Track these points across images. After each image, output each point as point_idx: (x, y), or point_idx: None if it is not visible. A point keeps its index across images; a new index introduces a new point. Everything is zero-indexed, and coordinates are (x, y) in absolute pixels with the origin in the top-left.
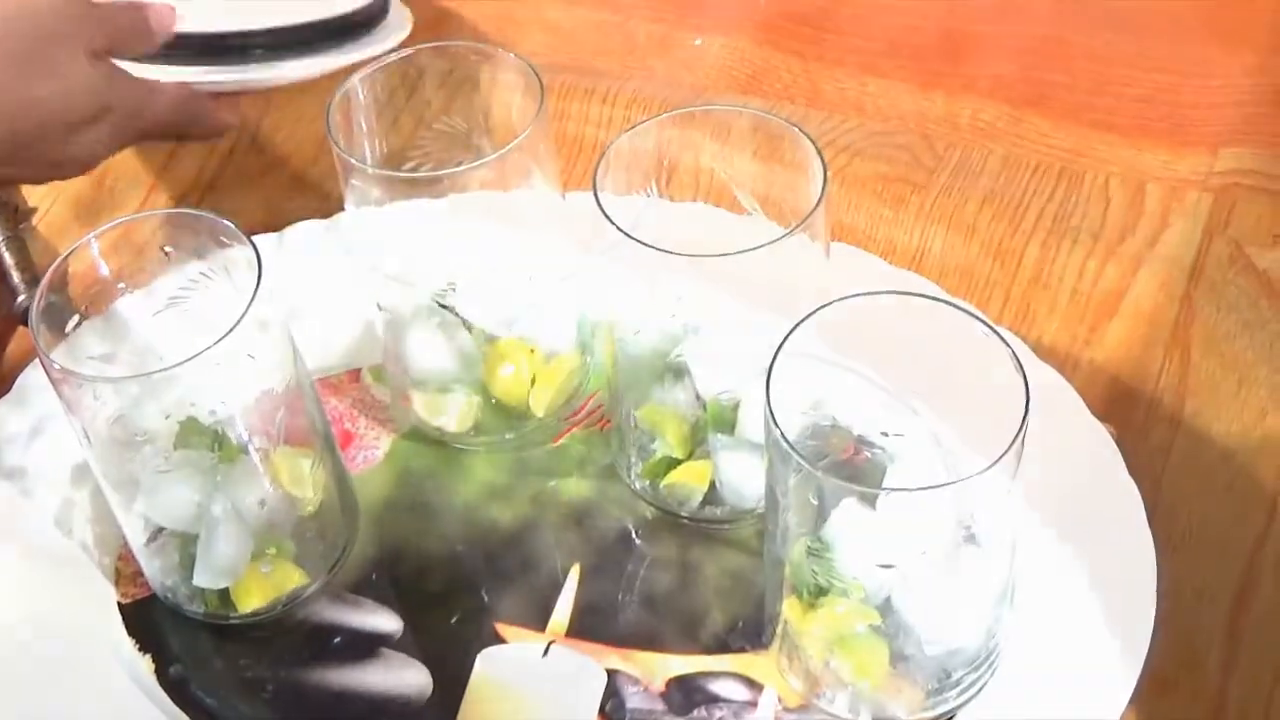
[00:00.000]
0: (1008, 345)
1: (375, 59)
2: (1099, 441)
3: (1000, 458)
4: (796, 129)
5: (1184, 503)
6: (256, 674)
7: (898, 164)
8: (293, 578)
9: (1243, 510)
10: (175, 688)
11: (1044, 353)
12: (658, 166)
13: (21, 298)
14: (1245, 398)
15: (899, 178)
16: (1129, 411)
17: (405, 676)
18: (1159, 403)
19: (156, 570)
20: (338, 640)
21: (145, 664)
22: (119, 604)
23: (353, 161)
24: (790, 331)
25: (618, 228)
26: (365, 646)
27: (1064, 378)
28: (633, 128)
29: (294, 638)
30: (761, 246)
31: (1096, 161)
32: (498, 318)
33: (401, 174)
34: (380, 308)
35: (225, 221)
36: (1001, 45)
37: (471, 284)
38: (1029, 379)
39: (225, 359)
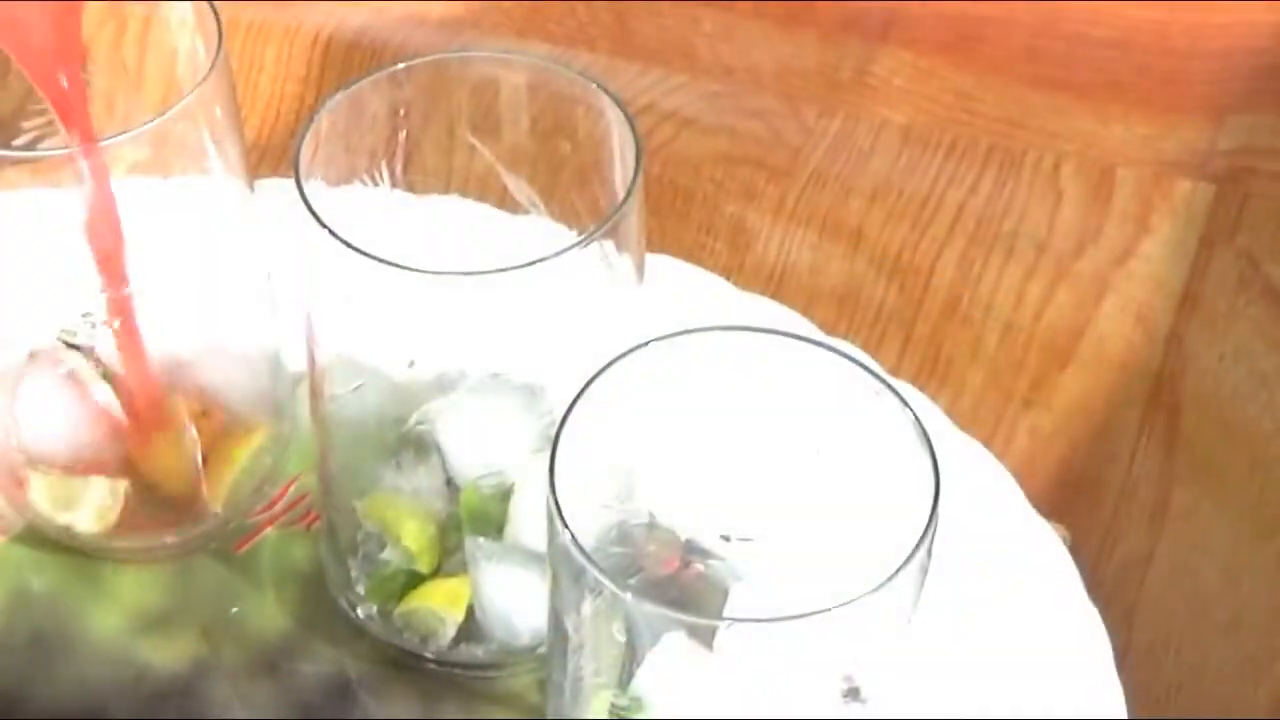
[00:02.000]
0: (908, 408)
1: None
2: (1045, 550)
3: (894, 575)
4: (597, 87)
5: (1169, 640)
6: None
7: (747, 138)
8: None
9: (1251, 656)
10: None
11: (964, 418)
12: (391, 142)
13: None
14: (1261, 485)
15: (749, 158)
16: (1089, 506)
17: None
18: (1132, 493)
19: None
20: None
21: None
22: None
23: None
24: (586, 385)
25: (331, 232)
26: None
27: (993, 455)
28: (351, 85)
29: None
30: (543, 261)
31: (1042, 136)
32: (143, 360)
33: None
34: None
35: None
36: None
37: (103, 313)
38: (939, 459)
39: None
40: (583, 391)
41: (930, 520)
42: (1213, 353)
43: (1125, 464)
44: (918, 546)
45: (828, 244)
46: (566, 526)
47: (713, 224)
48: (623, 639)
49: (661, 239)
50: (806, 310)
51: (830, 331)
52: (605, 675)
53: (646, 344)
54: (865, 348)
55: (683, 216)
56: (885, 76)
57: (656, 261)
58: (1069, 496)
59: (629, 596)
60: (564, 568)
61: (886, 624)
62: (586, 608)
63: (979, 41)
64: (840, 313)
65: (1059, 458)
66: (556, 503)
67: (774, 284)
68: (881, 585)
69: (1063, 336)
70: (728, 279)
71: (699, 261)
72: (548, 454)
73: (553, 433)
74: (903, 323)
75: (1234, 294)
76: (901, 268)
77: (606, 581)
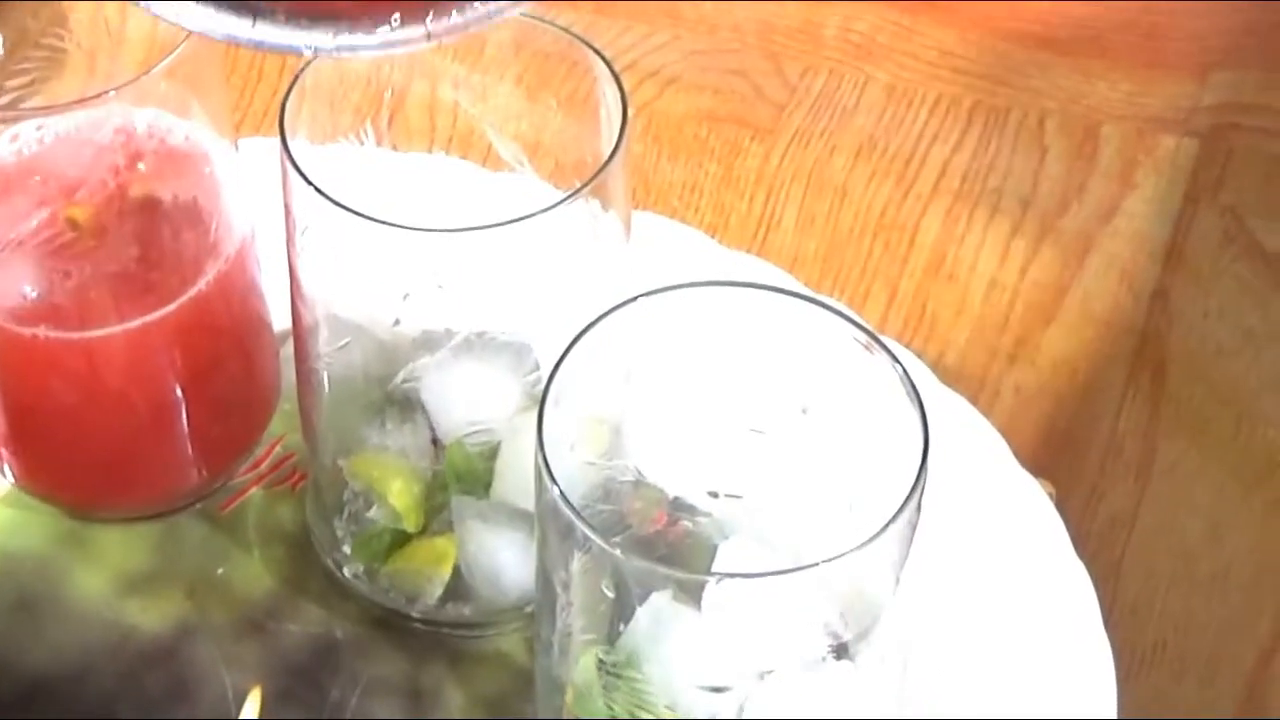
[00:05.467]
0: (897, 363)
1: None
2: (1031, 506)
3: (882, 530)
4: (582, 43)
5: (1153, 596)
6: None
7: (731, 96)
8: None
9: (1240, 611)
10: None
11: (949, 375)
12: (376, 100)
13: None
14: (1246, 441)
15: (733, 116)
16: (1075, 462)
17: None
18: (1118, 450)
19: None
20: None
21: None
22: None
23: None
24: (574, 342)
25: (316, 189)
26: None
27: (979, 412)
28: None
29: None
30: (530, 217)
31: (1026, 93)
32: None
33: None
34: None
35: None
36: None
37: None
38: (929, 416)
39: None
40: (570, 348)
41: (919, 476)
42: (1197, 309)
43: (1110, 420)
44: (906, 502)
45: (812, 202)
46: (555, 483)
47: (696, 182)
48: (611, 595)
49: (645, 197)
50: (791, 268)
51: (815, 289)
52: (594, 632)
53: (634, 300)
54: (850, 305)
55: (666, 174)
56: (868, 33)
57: (641, 218)
58: (1054, 453)
59: (618, 553)
60: (552, 524)
61: (874, 580)
62: (575, 564)
63: None
64: (825, 270)
65: (1044, 414)
66: (545, 459)
67: (758, 243)
68: (869, 540)
69: (1047, 293)
70: (712, 237)
71: (683, 220)
72: (533, 412)
73: (539, 391)
74: (887, 280)
75: (1218, 250)
76: (886, 225)
77: (595, 538)
